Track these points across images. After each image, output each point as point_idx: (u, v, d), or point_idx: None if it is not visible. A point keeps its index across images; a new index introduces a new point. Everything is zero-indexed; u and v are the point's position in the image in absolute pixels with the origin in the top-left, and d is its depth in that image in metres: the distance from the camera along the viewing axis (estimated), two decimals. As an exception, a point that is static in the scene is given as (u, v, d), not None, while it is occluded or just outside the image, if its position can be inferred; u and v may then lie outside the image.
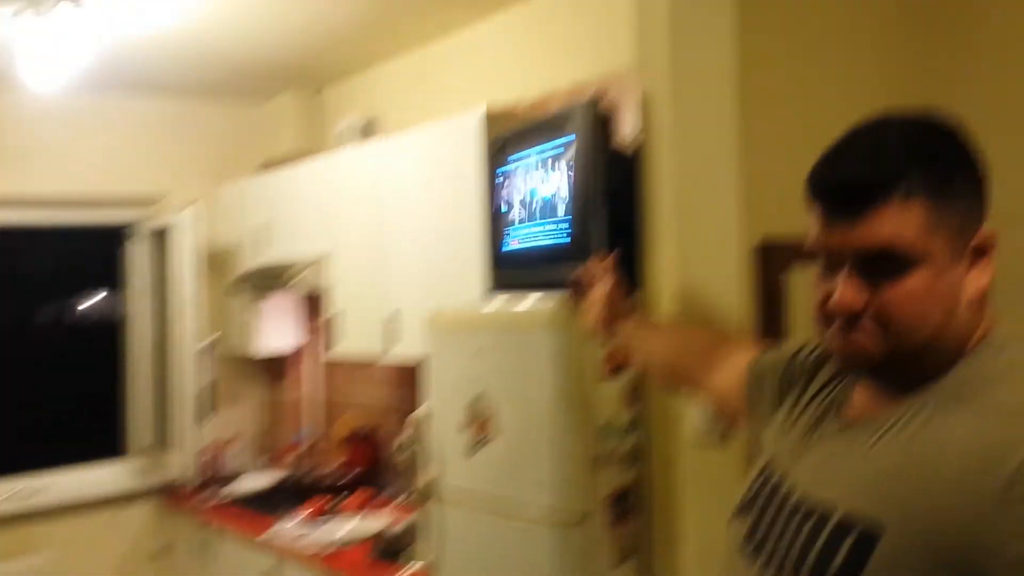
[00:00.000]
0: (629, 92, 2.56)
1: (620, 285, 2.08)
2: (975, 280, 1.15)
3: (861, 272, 1.13)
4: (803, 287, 1.98)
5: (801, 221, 1.19)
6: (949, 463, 1.04)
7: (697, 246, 2.16)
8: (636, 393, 2.39)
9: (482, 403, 2.52)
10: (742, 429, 1.80)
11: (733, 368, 1.65)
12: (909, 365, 1.16)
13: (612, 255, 2.13)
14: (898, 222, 1.10)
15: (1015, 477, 0.99)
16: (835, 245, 1.14)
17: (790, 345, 1.56)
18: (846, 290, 1.13)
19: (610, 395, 2.35)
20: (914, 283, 1.11)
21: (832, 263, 1.16)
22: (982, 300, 1.17)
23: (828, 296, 1.17)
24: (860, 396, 1.27)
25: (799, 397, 1.42)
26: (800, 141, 1.45)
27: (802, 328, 2.02)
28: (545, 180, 2.52)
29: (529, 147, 2.61)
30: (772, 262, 1.97)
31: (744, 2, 2.05)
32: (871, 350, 1.15)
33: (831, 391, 1.36)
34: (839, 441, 1.24)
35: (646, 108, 2.31)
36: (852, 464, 1.18)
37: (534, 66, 3.55)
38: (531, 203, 2.60)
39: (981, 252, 1.15)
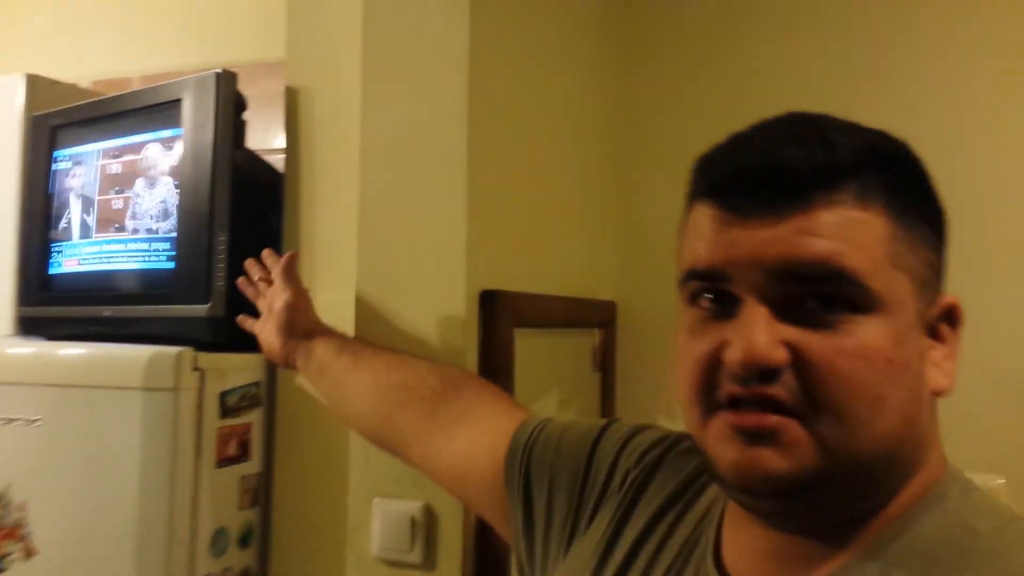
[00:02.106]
0: (272, 87, 1.92)
1: (304, 295, 1.45)
2: (937, 370, 0.74)
3: (781, 308, 0.68)
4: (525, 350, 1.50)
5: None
6: None
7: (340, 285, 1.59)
8: (258, 488, 1.71)
9: (6, 502, 1.66)
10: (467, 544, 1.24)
11: (485, 430, 1.09)
12: (847, 492, 0.71)
13: (291, 254, 1.49)
14: (852, 228, 0.68)
15: None
16: (741, 256, 0.69)
17: (594, 421, 1.05)
18: (757, 331, 0.67)
19: (225, 489, 1.65)
20: (871, 336, 0.67)
21: (725, 297, 0.71)
22: (934, 407, 0.76)
23: (711, 355, 0.70)
24: (740, 539, 0.80)
25: (622, 517, 0.92)
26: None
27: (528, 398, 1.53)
28: (141, 184, 1.77)
29: (109, 135, 1.84)
30: (492, 311, 1.46)
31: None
32: (796, 457, 0.68)
33: (687, 520, 0.88)
34: None
35: (292, 111, 1.70)
36: None
37: (141, 36, 2.67)
38: (107, 210, 1.82)
39: (935, 331, 0.74)
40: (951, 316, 0.75)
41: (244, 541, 1.69)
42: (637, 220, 2.00)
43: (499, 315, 1.41)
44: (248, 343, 1.74)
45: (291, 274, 1.45)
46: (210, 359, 1.61)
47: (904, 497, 0.73)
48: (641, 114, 2.04)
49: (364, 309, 1.49)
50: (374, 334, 1.46)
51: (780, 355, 0.67)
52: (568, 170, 1.84)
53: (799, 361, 0.67)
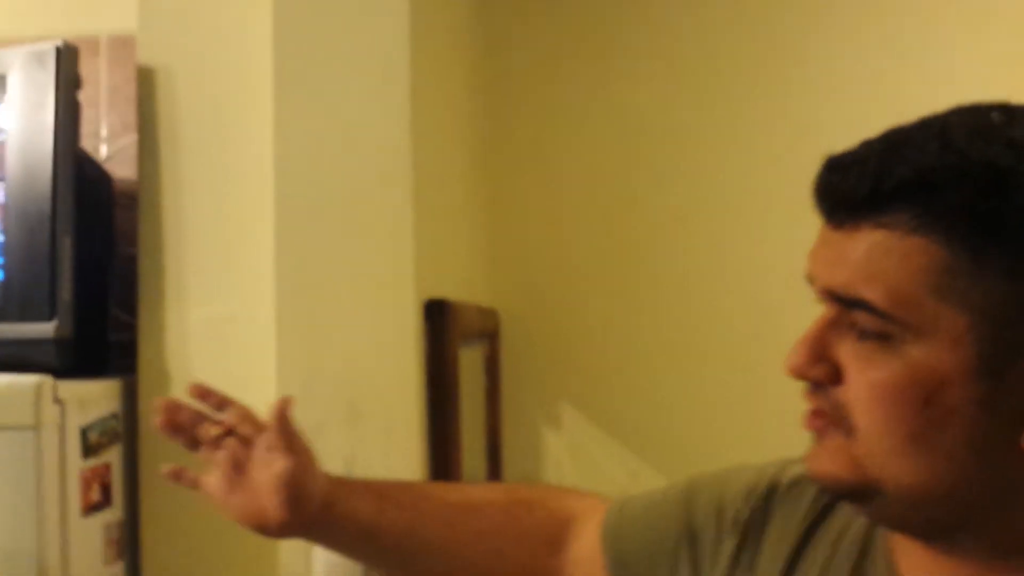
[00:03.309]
0: (117, 64, 1.64)
1: (308, 451, 0.98)
2: None
3: (836, 329, 0.69)
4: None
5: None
6: None
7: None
8: (122, 538, 1.44)
9: None
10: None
11: (573, 541, 0.96)
12: (943, 516, 0.69)
13: (285, 400, 0.96)
14: (881, 257, 0.65)
15: None
16: (811, 268, 0.71)
17: (673, 485, 0.95)
18: (801, 344, 0.69)
19: (92, 541, 1.37)
20: (898, 370, 0.65)
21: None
22: None
23: None
24: (921, 568, 0.74)
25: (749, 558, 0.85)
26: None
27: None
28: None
29: None
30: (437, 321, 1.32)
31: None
32: (837, 463, 0.69)
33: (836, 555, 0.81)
34: None
35: (148, 96, 1.47)
36: None
37: None
38: None
39: None
40: None
41: (108, 605, 1.40)
42: (511, 225, 1.93)
43: (447, 327, 1.28)
44: (93, 365, 1.48)
45: (290, 428, 0.97)
46: (69, 388, 1.33)
47: None
48: (508, 111, 1.98)
49: (288, 325, 1.29)
50: (298, 352, 1.28)
51: (816, 372, 0.68)
52: (451, 173, 1.73)
53: (841, 379, 0.68)
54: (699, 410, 1.93)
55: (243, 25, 1.41)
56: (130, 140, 1.65)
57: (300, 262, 1.31)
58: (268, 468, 0.93)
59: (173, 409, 0.97)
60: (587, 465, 1.95)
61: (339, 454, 1.26)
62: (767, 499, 0.86)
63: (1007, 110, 0.67)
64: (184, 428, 0.97)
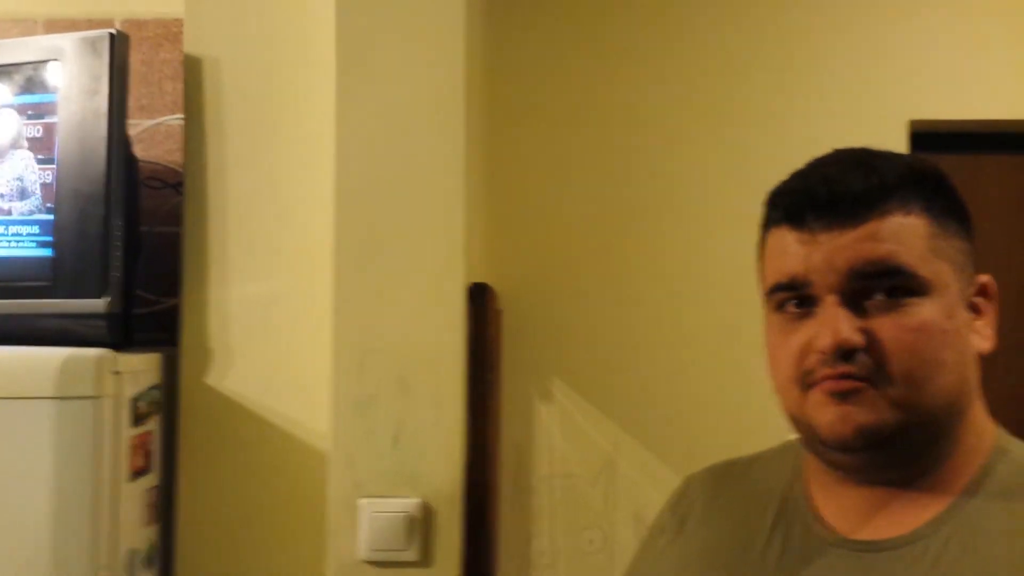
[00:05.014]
0: (164, 50, 1.70)
1: None
2: (979, 336, 0.93)
3: (852, 302, 0.87)
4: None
5: None
6: None
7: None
8: (159, 504, 1.53)
9: None
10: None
11: None
12: (921, 441, 0.89)
13: None
14: (901, 232, 0.87)
15: None
16: (819, 264, 0.87)
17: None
18: (838, 321, 0.85)
19: (134, 504, 1.46)
20: (927, 313, 0.86)
21: (807, 299, 0.89)
22: (978, 367, 0.94)
23: (804, 346, 0.88)
24: (836, 500, 0.93)
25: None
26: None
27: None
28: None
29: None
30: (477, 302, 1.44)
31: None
32: (878, 412, 0.86)
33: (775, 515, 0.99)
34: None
35: (193, 81, 1.55)
36: None
37: None
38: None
39: (975, 305, 0.93)
40: (985, 291, 0.93)
41: (149, 562, 1.50)
42: (509, 208, 2.03)
43: (487, 308, 1.39)
44: (139, 339, 1.56)
45: None
46: (124, 361, 1.41)
47: (966, 445, 0.90)
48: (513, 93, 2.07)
49: (344, 303, 1.39)
50: (353, 329, 1.38)
51: (859, 338, 0.85)
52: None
53: (872, 342, 0.85)
54: (680, 388, 2.06)
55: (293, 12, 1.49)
56: (152, 122, 1.72)
57: (358, 245, 1.40)
58: None
59: None
60: (575, 435, 2.08)
61: (390, 424, 1.37)
62: (686, 496, 1.06)
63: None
64: None
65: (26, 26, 1.76)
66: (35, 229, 1.49)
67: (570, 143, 2.05)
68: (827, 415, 0.86)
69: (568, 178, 2.09)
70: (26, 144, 1.51)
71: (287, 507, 1.48)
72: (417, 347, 1.37)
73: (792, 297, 0.89)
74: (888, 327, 0.85)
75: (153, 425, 1.52)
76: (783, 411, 0.91)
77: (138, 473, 1.47)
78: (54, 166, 1.48)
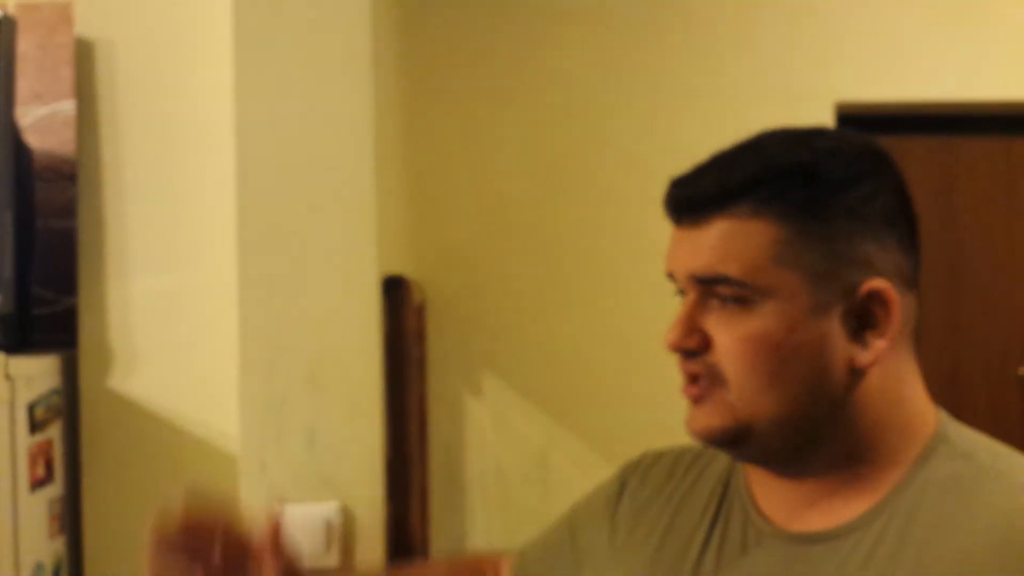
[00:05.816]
0: (60, 33, 1.60)
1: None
2: (859, 347, 0.85)
3: (701, 306, 0.86)
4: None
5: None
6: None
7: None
8: (65, 515, 1.45)
9: None
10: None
11: None
12: (793, 440, 0.86)
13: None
14: (732, 239, 0.84)
15: None
16: (673, 263, 0.87)
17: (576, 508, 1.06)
18: (677, 323, 0.85)
19: (37, 517, 1.37)
20: (757, 324, 0.83)
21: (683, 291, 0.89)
22: (896, 373, 0.88)
23: None
24: (771, 493, 0.91)
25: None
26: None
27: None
28: None
29: None
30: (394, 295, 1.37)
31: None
32: (716, 416, 0.85)
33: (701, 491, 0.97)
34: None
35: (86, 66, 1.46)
36: None
37: None
38: None
39: (865, 310, 0.85)
40: (879, 298, 0.83)
41: (57, 575, 1.42)
42: (433, 198, 1.97)
43: (404, 301, 1.33)
44: (35, 341, 1.47)
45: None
46: (17, 365, 1.32)
47: (895, 435, 0.87)
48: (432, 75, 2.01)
49: (250, 297, 1.31)
50: (260, 324, 1.31)
51: (691, 342, 0.84)
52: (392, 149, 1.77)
53: (711, 345, 0.84)
54: (613, 378, 2.03)
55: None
56: (47, 110, 1.62)
57: (263, 236, 1.32)
58: None
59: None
60: (506, 430, 2.04)
61: (303, 424, 1.30)
62: (625, 483, 1.02)
63: (820, 129, 0.89)
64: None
65: (-87, 10, 1.66)
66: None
67: (495, 126, 2.01)
68: (687, 414, 0.87)
69: (494, 164, 2.05)
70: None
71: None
72: (328, 343, 1.30)
73: (678, 289, 0.88)
74: (720, 333, 0.83)
75: (54, 432, 1.43)
76: None
77: (39, 483, 1.38)
78: (-62, 158, 1.38)
